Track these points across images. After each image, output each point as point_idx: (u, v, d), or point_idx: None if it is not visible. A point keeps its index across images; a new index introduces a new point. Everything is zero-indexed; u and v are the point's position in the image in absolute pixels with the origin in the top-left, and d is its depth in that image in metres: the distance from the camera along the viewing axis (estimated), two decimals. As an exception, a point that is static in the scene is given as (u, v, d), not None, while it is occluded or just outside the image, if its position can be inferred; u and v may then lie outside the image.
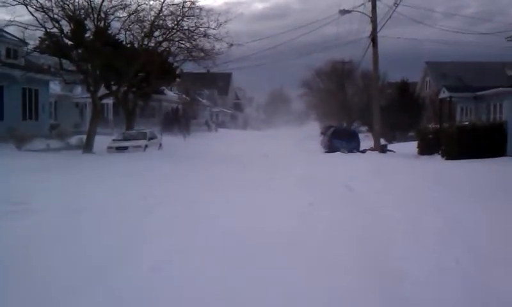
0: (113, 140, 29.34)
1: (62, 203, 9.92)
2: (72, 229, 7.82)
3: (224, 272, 5.79)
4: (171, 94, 57.09)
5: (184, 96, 59.47)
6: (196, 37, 30.23)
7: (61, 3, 25.72)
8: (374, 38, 28.44)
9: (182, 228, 7.94)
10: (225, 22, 29.50)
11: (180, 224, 8.25)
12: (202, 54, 31.50)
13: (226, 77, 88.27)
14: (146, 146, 27.67)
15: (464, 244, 7.02)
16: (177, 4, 28.98)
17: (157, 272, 5.78)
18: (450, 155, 22.18)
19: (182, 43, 31.63)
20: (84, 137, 27.76)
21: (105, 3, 26.68)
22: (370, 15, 28.42)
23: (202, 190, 12.20)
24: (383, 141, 30.79)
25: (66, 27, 27.16)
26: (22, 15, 48.38)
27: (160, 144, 31.09)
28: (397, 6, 26.41)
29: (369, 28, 28.78)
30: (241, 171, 17.23)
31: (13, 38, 29.06)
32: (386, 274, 5.84)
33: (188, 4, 28.66)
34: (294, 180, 14.22)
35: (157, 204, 10.01)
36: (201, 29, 29.60)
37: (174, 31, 30.23)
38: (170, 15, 29.48)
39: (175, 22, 29.65)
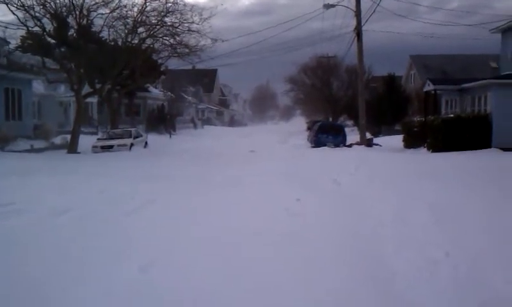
0: (98, 139, 29.07)
1: (46, 204, 9.76)
2: (56, 230, 7.69)
3: (209, 272, 5.72)
4: (156, 92, 56.71)
5: (169, 93, 59.15)
6: (180, 33, 30.02)
7: (42, 1, 25.35)
8: (358, 32, 28.46)
9: (167, 228, 7.84)
10: (209, 17, 29.37)
11: (165, 224, 8.14)
12: (186, 50, 31.29)
13: (212, 74, 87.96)
14: (131, 144, 27.43)
15: (452, 236, 7.02)
16: (160, 0, 28.77)
17: (143, 273, 5.69)
18: (435, 148, 22.28)
19: (166, 40, 31.42)
20: (69, 136, 27.45)
21: (87, 0, 26.39)
22: (355, 9, 28.42)
23: (189, 189, 12.11)
24: (368, 135, 30.88)
25: (49, 26, 26.78)
26: (3, 14, 47.70)
27: (146, 143, 30.86)
28: (380, 0, 26.46)
29: (354, 22, 28.80)
30: (228, 167, 17.16)
31: (-7, 37, 28.67)
32: (377, 269, 5.81)
33: (171, -1, 28.46)
34: (281, 175, 14.17)
35: (142, 204, 9.90)
36: (185, 24, 29.41)
37: (158, 27, 29.99)
38: (153, 11, 29.27)
39: (159, 18, 29.42)
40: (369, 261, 6.14)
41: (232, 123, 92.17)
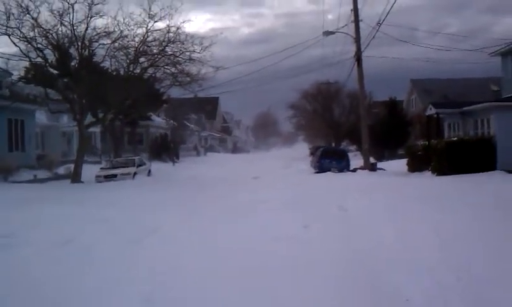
0: (101, 168, 29.03)
1: (49, 235, 9.65)
2: (56, 263, 7.56)
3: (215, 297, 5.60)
4: (159, 120, 56.91)
5: (172, 121, 59.32)
6: (181, 62, 30.11)
7: (44, 33, 25.53)
8: (358, 58, 28.56)
9: (169, 259, 7.71)
10: (210, 45, 29.44)
11: (167, 255, 8.00)
12: (188, 79, 31.33)
13: (214, 102, 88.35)
14: (135, 173, 27.36)
15: (459, 262, 6.88)
16: (161, 30, 28.94)
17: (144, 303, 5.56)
18: (440, 171, 22.12)
19: (168, 69, 31.47)
20: (72, 166, 27.40)
21: (88, 31, 26.53)
22: (354, 36, 28.57)
23: (193, 217, 11.99)
24: (372, 160, 30.75)
25: (51, 57, 26.93)
26: (6, 45, 48.15)
27: (150, 171, 30.79)
28: (379, 26, 26.51)
29: (354, 48, 28.93)
30: (232, 194, 17.04)
31: (-4, 68, 28.83)
32: (388, 297, 5.67)
33: (173, 29, 28.63)
34: (287, 201, 14.06)
35: (146, 233, 9.79)
36: (186, 53, 29.50)
37: (159, 56, 30.08)
38: (155, 41, 29.39)
39: (160, 48, 29.55)
40: (380, 287, 5.99)
41: (235, 149, 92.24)
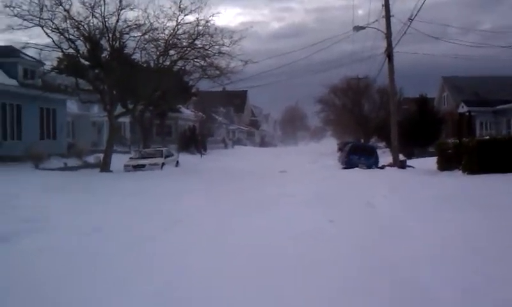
0: (130, 158, 29.38)
1: (76, 223, 9.78)
2: (82, 249, 7.65)
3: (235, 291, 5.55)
4: (188, 113, 57.22)
5: (200, 114, 59.60)
6: (210, 55, 30.23)
7: (76, 24, 25.94)
8: (389, 54, 28.16)
9: (195, 249, 7.71)
10: (239, 39, 29.50)
11: (190, 246, 8.00)
12: (217, 72, 31.47)
13: (242, 95, 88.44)
14: (163, 164, 27.59)
15: (491, 265, 6.70)
16: (191, 23, 29.09)
17: (164, 294, 5.56)
18: (470, 170, 21.65)
19: (197, 61, 31.66)
20: (102, 155, 27.81)
21: (119, 23, 26.88)
22: (385, 31, 28.17)
23: (218, 208, 12.01)
24: (401, 157, 30.33)
25: (82, 48, 27.37)
26: (39, 35, 49.04)
27: (177, 162, 31.02)
28: (411, 22, 26.08)
29: (384, 44, 28.53)
30: (258, 187, 17.01)
31: (30, 58, 29.37)
32: (417, 299, 5.54)
33: (202, 22, 28.74)
34: (313, 196, 13.96)
35: (172, 223, 9.83)
36: (215, 46, 29.60)
37: (188, 49, 30.25)
38: (184, 34, 29.57)
39: (190, 41, 29.70)
40: (407, 290, 5.84)
41: (263, 143, 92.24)
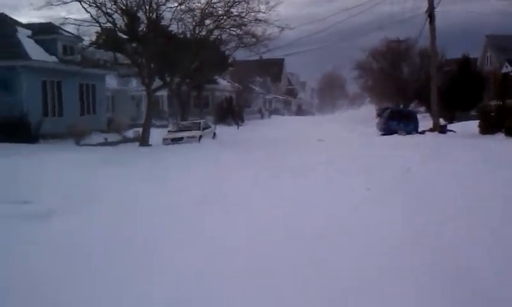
0: (168, 131, 29.65)
1: (118, 195, 9.97)
2: (122, 223, 7.81)
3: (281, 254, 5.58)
4: (224, 83, 57.19)
5: (237, 84, 59.49)
6: (246, 23, 29.96)
7: (113, -3, 26.07)
8: (430, 14, 27.29)
9: (240, 221, 7.76)
10: (276, 5, 29.13)
11: (236, 216, 8.06)
12: (253, 40, 31.20)
13: (279, 63, 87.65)
14: (200, 136, 27.75)
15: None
16: (227, -10, 28.86)
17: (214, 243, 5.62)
18: (514, 133, 21.00)
19: (233, 30, 31.45)
20: (141, 129, 28.17)
21: (156, -6, 26.80)
22: (426, -10, 27.24)
23: (258, 176, 12.03)
24: (442, 121, 29.61)
25: (120, 21, 27.50)
26: (77, 11, 49.64)
27: (215, 134, 31.16)
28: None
29: (425, 4, 27.65)
30: (296, 156, 16.93)
31: (69, 34, 29.71)
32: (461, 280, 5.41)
33: (238, -11, 28.47)
34: (352, 163, 13.82)
35: (209, 193, 9.92)
36: (251, 14, 29.32)
37: (224, 18, 30.08)
38: (220, 2, 29.37)
39: (225, 9, 29.51)
40: (450, 268, 5.65)
41: (300, 112, 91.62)
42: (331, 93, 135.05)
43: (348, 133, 33.12)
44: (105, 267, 5.65)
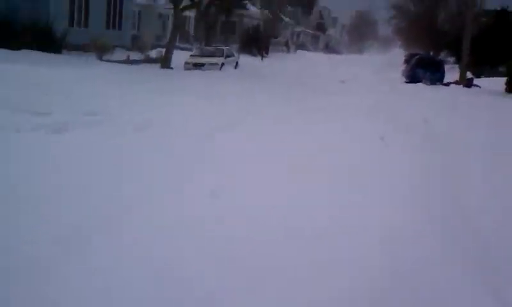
0: (191, 55, 29.40)
1: (131, 118, 10.04)
2: (132, 144, 7.91)
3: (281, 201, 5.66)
4: (254, 10, 55.96)
5: (267, 12, 58.20)
6: None
7: None
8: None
9: (242, 155, 7.81)
10: None
11: (240, 152, 8.10)
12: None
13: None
14: (222, 64, 27.53)
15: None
16: None
17: (215, 198, 5.71)
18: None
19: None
20: (164, 50, 27.92)
21: None
22: None
23: (270, 115, 12.00)
24: (469, 75, 28.95)
25: None
26: None
27: (237, 63, 30.84)
28: None
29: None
30: (314, 97, 16.82)
31: None
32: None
33: None
34: (368, 109, 13.71)
35: (220, 127, 9.95)
36: None
37: None
38: None
39: None
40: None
41: (327, 49, 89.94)
42: (362, 33, 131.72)
43: (373, 77, 32.64)
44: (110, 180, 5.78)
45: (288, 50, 61.47)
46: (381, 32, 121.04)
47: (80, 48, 25.21)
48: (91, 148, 7.42)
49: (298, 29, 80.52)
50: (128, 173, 6.40)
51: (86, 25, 27.95)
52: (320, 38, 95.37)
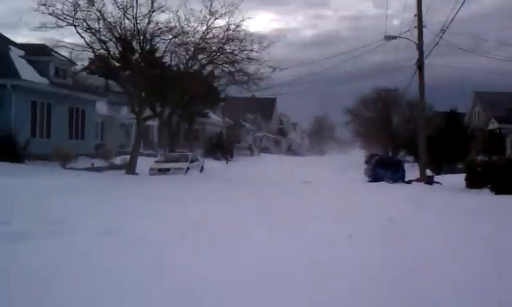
0: (156, 161, 29.55)
1: (97, 224, 9.81)
2: (97, 251, 7.65)
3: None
4: (215, 118, 57.39)
5: (228, 120, 59.76)
6: (239, 60, 30.32)
7: (108, 25, 26.26)
8: (420, 65, 27.73)
9: (210, 258, 7.62)
10: (268, 45, 29.55)
11: (209, 254, 7.93)
12: (245, 78, 31.58)
13: (270, 102, 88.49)
14: (188, 168, 27.67)
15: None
16: (221, 27, 29.23)
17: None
18: (500, 190, 21.12)
19: (226, 67, 31.79)
20: (128, 157, 28.01)
21: (151, 25, 27.03)
22: (417, 42, 27.77)
23: (239, 219, 11.90)
24: (429, 172, 29.81)
25: (113, 49, 27.64)
26: (71, 35, 49.82)
27: (202, 168, 31.07)
28: (443, 34, 25.66)
29: (416, 55, 28.15)
30: (281, 198, 16.86)
31: (62, 58, 29.72)
32: None
33: (232, 27, 28.85)
34: (335, 209, 13.76)
35: (189, 229, 9.79)
36: (244, 52, 29.69)
37: (218, 54, 30.41)
38: (214, 38, 29.70)
39: (219, 45, 29.84)
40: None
41: (289, 152, 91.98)
42: (321, 135, 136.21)
43: (336, 177, 33.20)
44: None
45: (252, 154, 62.57)
46: (340, 134, 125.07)
47: (43, 157, 25.03)
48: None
49: (260, 134, 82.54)
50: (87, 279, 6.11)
51: (49, 136, 28.01)
52: (282, 141, 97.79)
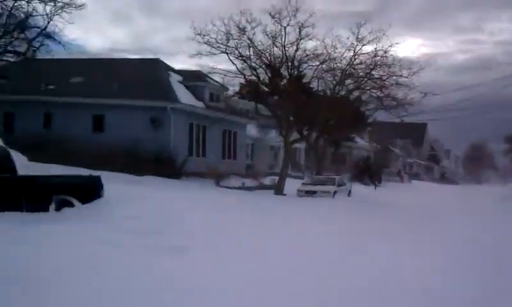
0: (303, 183, 29.71)
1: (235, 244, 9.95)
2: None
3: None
4: (362, 143, 56.45)
5: (376, 144, 58.42)
6: (387, 85, 29.50)
7: (258, 53, 27.34)
8: None
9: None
10: (418, 70, 28.49)
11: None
12: (394, 103, 30.64)
13: (421, 128, 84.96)
14: (335, 192, 27.34)
15: None
16: (368, 53, 28.83)
17: None
18: None
19: (374, 92, 31.12)
20: (277, 178, 28.64)
21: (298, 52, 27.59)
22: None
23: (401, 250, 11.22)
24: None
25: (263, 75, 28.73)
26: (224, 62, 52.60)
27: (350, 192, 30.50)
28: None
29: None
30: (445, 231, 15.54)
31: (215, 83, 31.56)
32: None
33: (380, 53, 28.30)
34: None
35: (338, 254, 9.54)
36: (393, 77, 28.86)
37: (365, 79, 29.93)
38: (361, 64, 29.35)
39: (367, 71, 29.37)
40: None
41: (442, 179, 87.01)
42: (478, 164, 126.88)
43: (495, 208, 30.32)
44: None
45: (401, 180, 60.10)
46: (499, 163, 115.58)
47: (199, 174, 26.59)
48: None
49: (410, 160, 79.56)
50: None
51: (204, 155, 29.70)
52: (435, 168, 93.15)
